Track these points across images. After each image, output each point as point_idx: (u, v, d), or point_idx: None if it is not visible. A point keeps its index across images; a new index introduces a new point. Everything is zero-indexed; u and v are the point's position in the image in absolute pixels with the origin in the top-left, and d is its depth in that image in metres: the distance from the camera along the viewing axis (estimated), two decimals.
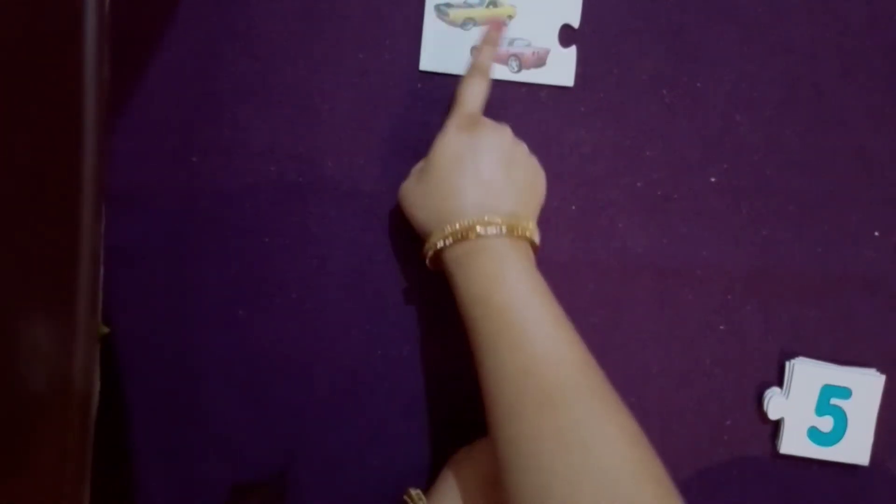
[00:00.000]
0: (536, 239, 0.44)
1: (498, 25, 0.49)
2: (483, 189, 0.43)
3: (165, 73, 0.51)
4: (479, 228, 0.42)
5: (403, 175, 0.52)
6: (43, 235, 0.33)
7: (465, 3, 0.51)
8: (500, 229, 0.42)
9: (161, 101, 0.51)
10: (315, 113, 0.51)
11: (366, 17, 0.51)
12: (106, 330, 0.51)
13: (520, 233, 0.42)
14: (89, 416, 0.34)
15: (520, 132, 0.52)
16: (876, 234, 0.52)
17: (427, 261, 0.45)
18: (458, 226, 0.42)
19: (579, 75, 0.52)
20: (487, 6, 0.51)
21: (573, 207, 0.52)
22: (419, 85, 0.51)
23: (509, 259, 0.42)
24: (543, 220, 0.51)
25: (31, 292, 0.33)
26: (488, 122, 0.46)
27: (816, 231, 0.52)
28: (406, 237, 0.52)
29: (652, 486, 0.36)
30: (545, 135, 0.52)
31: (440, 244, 0.43)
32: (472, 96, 0.46)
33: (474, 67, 0.47)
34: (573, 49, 0.51)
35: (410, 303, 0.52)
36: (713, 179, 0.52)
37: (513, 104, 0.52)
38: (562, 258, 0.52)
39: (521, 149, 0.46)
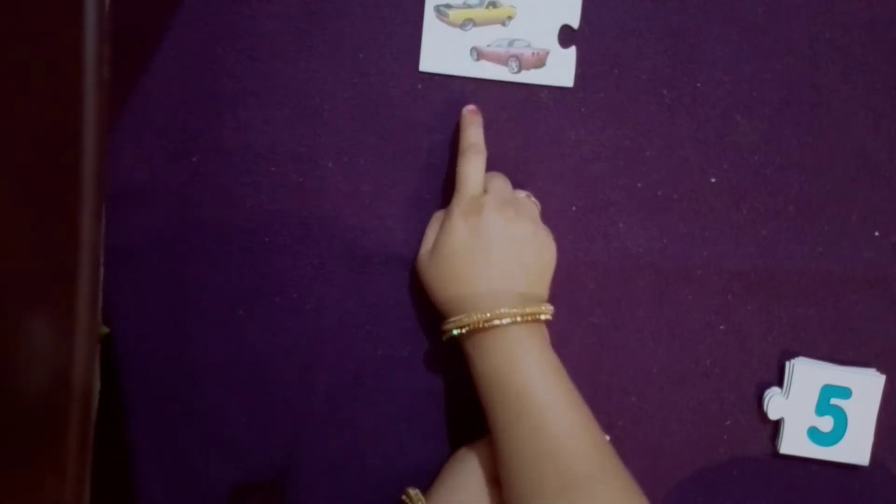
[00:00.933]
0: (550, 316, 0.45)
1: (473, 111, 0.50)
2: (495, 277, 0.44)
3: (166, 72, 0.51)
4: (495, 321, 0.43)
5: (403, 175, 0.52)
6: (43, 235, 0.33)
7: (464, 3, 0.51)
8: (516, 319, 0.43)
9: (161, 100, 0.51)
10: (315, 113, 0.51)
11: (366, 18, 0.51)
12: (106, 330, 0.51)
13: (534, 317, 0.44)
14: (89, 416, 0.34)
15: (519, 133, 0.52)
16: (876, 234, 0.52)
17: (445, 338, 0.46)
18: (473, 317, 0.44)
19: (579, 76, 0.52)
20: (487, 7, 0.51)
21: (573, 208, 0.52)
22: (419, 85, 0.51)
23: (526, 344, 0.43)
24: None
25: (30, 292, 0.33)
26: (492, 203, 0.46)
27: (816, 231, 0.52)
28: (406, 238, 0.52)
29: None
30: (545, 135, 0.52)
31: (456, 332, 0.45)
32: (472, 177, 0.47)
33: (467, 148, 0.48)
34: (573, 50, 0.51)
35: (411, 304, 0.52)
36: (713, 180, 0.52)
37: (512, 105, 0.52)
38: (562, 258, 0.52)
39: (527, 224, 0.46)
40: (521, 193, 0.49)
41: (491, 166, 0.51)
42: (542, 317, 0.44)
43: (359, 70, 0.51)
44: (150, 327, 0.52)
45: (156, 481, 0.53)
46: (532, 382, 0.42)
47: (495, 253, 0.45)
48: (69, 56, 0.33)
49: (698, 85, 0.52)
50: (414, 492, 0.48)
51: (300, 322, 0.52)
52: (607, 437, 0.44)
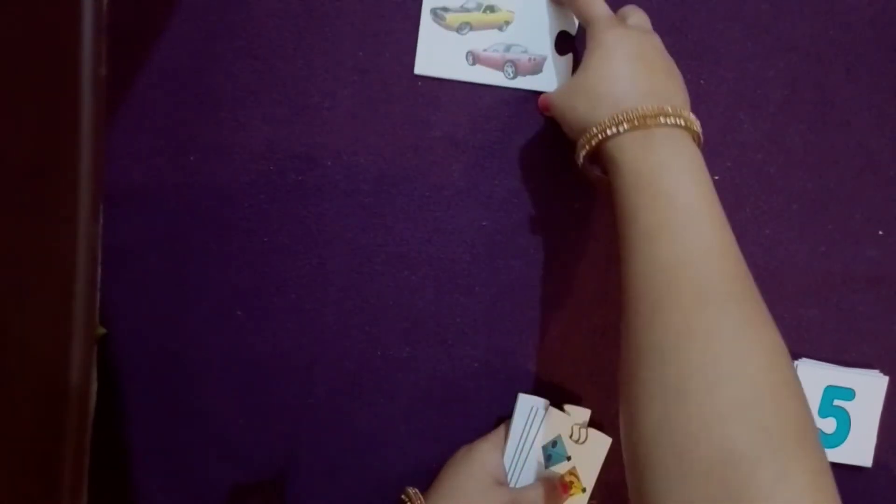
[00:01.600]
0: (699, 127, 0.43)
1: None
2: (656, 79, 0.43)
3: (163, 71, 0.51)
4: (661, 118, 0.41)
5: (403, 174, 0.51)
6: (40, 235, 0.33)
7: (461, 7, 0.50)
8: (679, 120, 0.41)
9: (159, 99, 0.51)
10: (314, 112, 0.51)
11: (365, 16, 0.51)
12: (103, 330, 0.51)
13: (692, 125, 0.42)
14: (87, 416, 0.34)
15: (519, 131, 0.52)
16: (880, 232, 0.52)
17: (584, 152, 0.43)
18: (638, 111, 0.41)
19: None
20: (484, 11, 0.50)
21: (576, 206, 0.52)
22: (419, 83, 0.51)
23: (685, 149, 0.41)
24: (545, 221, 0.50)
25: (27, 292, 0.33)
26: (633, 23, 0.45)
27: (819, 230, 0.52)
28: (406, 238, 0.52)
29: (793, 414, 0.34)
30: (546, 134, 0.52)
31: (612, 130, 0.41)
32: (601, 6, 0.46)
33: None
34: (569, 57, 0.51)
35: (410, 304, 0.52)
36: (716, 178, 0.52)
37: (510, 104, 0.51)
38: (563, 258, 0.52)
39: (661, 45, 0.45)
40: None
41: (491, 166, 0.51)
42: (697, 127, 0.42)
43: (358, 68, 0.51)
44: (148, 328, 0.52)
45: (154, 482, 0.53)
46: (684, 187, 0.39)
47: (654, 61, 0.43)
48: (66, 54, 0.32)
49: (701, 82, 0.52)
50: (413, 491, 0.48)
51: (299, 322, 0.52)
52: None
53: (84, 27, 0.32)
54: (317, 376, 0.52)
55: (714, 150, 0.52)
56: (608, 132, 0.41)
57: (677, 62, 0.51)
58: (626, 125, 0.41)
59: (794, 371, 0.36)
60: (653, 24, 0.51)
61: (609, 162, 0.42)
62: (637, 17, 0.47)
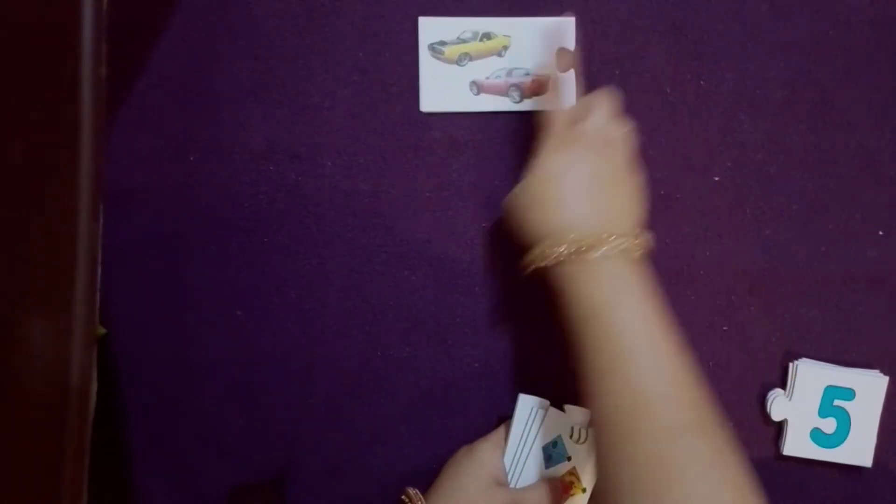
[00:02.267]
0: (645, 245, 0.43)
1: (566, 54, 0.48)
2: (599, 205, 0.42)
3: (163, 71, 0.51)
4: (603, 247, 0.40)
5: (403, 175, 0.51)
6: (40, 235, 0.33)
7: (458, 39, 0.50)
8: (624, 247, 0.40)
9: (159, 99, 0.51)
10: (314, 112, 0.51)
11: (365, 16, 0.51)
12: (103, 330, 0.51)
13: (641, 249, 0.41)
14: (87, 416, 0.34)
15: (518, 133, 0.51)
16: (880, 233, 0.52)
17: (529, 271, 0.43)
18: (580, 238, 0.40)
19: (580, 74, 0.51)
20: (481, 39, 0.50)
21: None
22: (420, 83, 0.51)
23: (627, 278, 0.40)
24: None
25: (28, 292, 0.33)
26: (591, 134, 0.43)
27: (820, 230, 0.52)
28: (405, 238, 0.51)
29: None
30: None
31: (553, 261, 0.41)
32: (562, 114, 0.45)
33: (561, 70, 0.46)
34: (572, 73, 0.51)
35: (410, 304, 0.52)
36: (716, 178, 0.52)
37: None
38: None
39: (628, 162, 0.44)
40: (618, 126, 0.46)
41: (490, 165, 0.51)
42: (647, 248, 0.42)
43: (358, 68, 0.51)
44: (148, 328, 0.51)
45: (154, 482, 0.52)
46: (631, 326, 0.39)
47: (598, 182, 0.42)
48: (67, 54, 0.32)
49: (701, 83, 0.51)
50: (413, 492, 0.47)
51: (299, 322, 0.52)
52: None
53: (84, 27, 0.32)
54: (317, 376, 0.52)
55: (714, 150, 0.52)
56: (548, 262, 0.41)
57: (677, 63, 0.51)
58: (563, 257, 0.40)
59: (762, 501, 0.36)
60: (652, 25, 0.51)
61: (555, 287, 0.42)
62: (598, 114, 0.44)
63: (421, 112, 0.51)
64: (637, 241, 0.41)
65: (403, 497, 0.48)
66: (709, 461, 0.36)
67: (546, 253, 0.41)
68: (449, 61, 0.50)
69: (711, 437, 0.37)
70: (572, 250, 0.40)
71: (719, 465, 0.36)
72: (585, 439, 0.50)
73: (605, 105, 0.45)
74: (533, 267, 0.42)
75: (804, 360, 0.52)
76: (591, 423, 0.40)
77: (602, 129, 0.44)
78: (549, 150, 0.43)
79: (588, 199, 0.42)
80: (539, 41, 0.51)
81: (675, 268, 0.52)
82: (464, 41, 0.50)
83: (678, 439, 0.37)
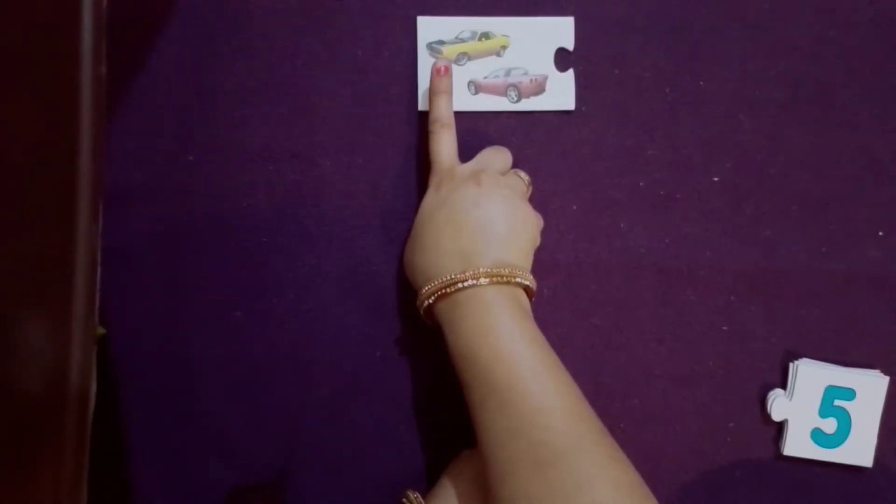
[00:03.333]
0: (529, 283, 0.43)
1: (443, 70, 0.48)
2: (462, 242, 0.43)
3: (163, 71, 0.51)
4: (458, 284, 0.42)
5: (402, 175, 0.51)
6: (39, 235, 0.33)
7: (457, 38, 0.50)
8: (481, 280, 0.41)
9: (158, 99, 0.51)
10: (313, 112, 0.51)
11: (364, 15, 0.51)
12: (103, 331, 0.51)
13: (506, 280, 0.42)
14: (86, 417, 0.34)
15: (517, 133, 0.51)
16: (880, 233, 0.52)
17: (423, 318, 0.45)
18: (440, 281, 0.42)
19: (580, 73, 0.51)
20: (480, 39, 0.50)
21: (574, 207, 0.52)
22: (418, 82, 0.51)
23: (497, 309, 0.41)
24: (545, 221, 0.50)
25: (27, 293, 0.32)
26: (463, 173, 0.45)
27: (820, 231, 0.52)
28: (404, 238, 0.51)
29: None
30: (546, 134, 0.51)
31: (426, 303, 0.43)
32: (443, 152, 0.47)
33: (434, 123, 0.47)
34: (570, 73, 0.51)
35: (409, 304, 0.52)
36: (716, 179, 0.52)
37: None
38: (563, 258, 0.52)
39: (500, 192, 0.44)
40: (511, 171, 0.48)
41: None
42: (516, 280, 0.42)
43: (357, 68, 0.51)
44: (148, 328, 0.51)
45: (154, 483, 0.52)
46: (501, 353, 0.40)
47: (463, 220, 0.43)
48: (66, 53, 0.32)
49: (701, 83, 0.51)
50: (414, 495, 0.47)
51: (298, 323, 0.52)
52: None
53: (84, 27, 0.32)
54: (316, 376, 0.52)
55: (714, 151, 0.52)
56: (425, 303, 0.44)
57: (677, 63, 0.51)
58: (433, 297, 0.43)
59: (648, 500, 0.37)
60: (653, 25, 0.51)
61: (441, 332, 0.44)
62: (482, 156, 0.47)
63: (420, 112, 0.51)
64: (503, 271, 0.42)
65: (403, 500, 0.48)
66: (592, 475, 0.36)
67: (422, 296, 0.44)
68: (447, 61, 0.50)
69: (591, 455, 0.37)
70: (439, 290, 0.42)
71: (606, 475, 0.36)
72: None
73: (494, 150, 0.48)
74: (420, 309, 0.44)
75: (804, 360, 0.52)
76: (482, 459, 0.41)
77: (483, 164, 0.46)
78: (430, 190, 0.46)
79: (458, 237, 0.43)
80: (538, 40, 0.51)
81: (674, 268, 0.52)
82: (462, 41, 0.50)
83: (555, 463, 0.37)
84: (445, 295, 0.42)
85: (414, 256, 0.46)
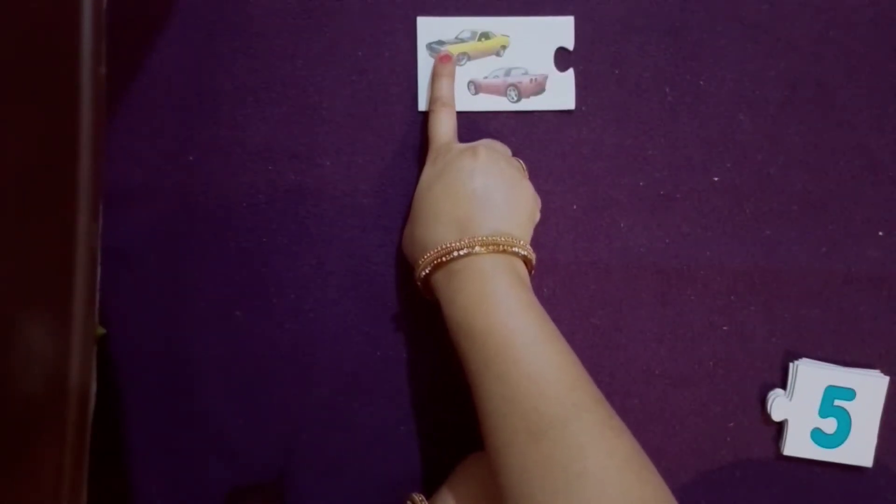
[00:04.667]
0: (527, 253, 0.43)
1: (442, 58, 0.49)
2: (460, 212, 0.43)
3: (163, 71, 0.51)
4: (454, 252, 0.41)
5: (402, 175, 0.51)
6: (39, 235, 0.33)
7: (457, 38, 0.50)
8: (478, 248, 0.41)
9: (158, 99, 0.51)
10: (313, 112, 0.51)
11: (363, 15, 0.51)
12: (103, 331, 0.51)
13: (503, 248, 0.42)
14: (86, 417, 0.34)
15: (518, 133, 0.51)
16: (880, 233, 0.52)
17: (417, 281, 0.45)
18: (436, 250, 0.42)
19: (580, 73, 0.51)
20: (479, 39, 0.51)
21: (574, 207, 0.52)
22: (418, 82, 0.51)
23: (493, 279, 0.41)
24: (544, 220, 0.50)
25: (27, 293, 0.32)
26: (460, 147, 0.45)
27: (820, 231, 0.52)
28: None
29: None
30: (546, 134, 0.51)
31: (422, 273, 0.43)
32: (441, 129, 0.47)
33: (435, 101, 0.48)
34: (570, 72, 0.51)
35: (409, 304, 0.52)
36: (716, 179, 0.52)
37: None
38: (563, 258, 0.52)
39: (498, 165, 0.44)
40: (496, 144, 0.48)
41: None
42: (514, 249, 0.42)
43: (357, 68, 0.51)
44: (147, 328, 0.51)
45: (154, 482, 0.52)
46: (499, 322, 0.39)
47: (461, 190, 0.43)
48: (66, 53, 0.32)
49: (701, 83, 0.51)
50: (419, 498, 0.47)
51: (298, 323, 0.52)
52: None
53: (84, 27, 0.32)
54: (317, 376, 0.52)
55: (713, 151, 0.52)
56: (421, 274, 0.43)
57: (677, 63, 0.51)
58: (429, 267, 0.43)
59: (645, 469, 0.36)
60: (651, 25, 0.51)
61: (435, 297, 0.44)
62: (482, 140, 0.47)
63: (419, 112, 0.51)
64: (500, 241, 0.42)
65: (408, 502, 0.47)
66: (589, 443, 0.36)
67: (419, 267, 0.44)
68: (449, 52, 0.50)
69: (587, 422, 0.37)
70: (435, 260, 0.42)
71: (602, 444, 0.36)
72: None
73: (491, 140, 0.48)
74: (418, 281, 0.44)
75: (804, 360, 0.52)
76: (480, 430, 0.41)
77: (481, 142, 0.46)
78: (427, 165, 0.46)
79: (454, 207, 0.43)
80: (538, 40, 0.51)
81: (674, 268, 0.52)
82: (462, 41, 0.50)
83: (549, 432, 0.36)
84: (441, 264, 0.42)
85: (413, 230, 0.45)
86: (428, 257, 0.43)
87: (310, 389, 0.52)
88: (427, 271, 0.43)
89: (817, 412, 0.51)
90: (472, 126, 0.51)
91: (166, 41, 0.50)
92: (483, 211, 0.43)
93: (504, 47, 0.51)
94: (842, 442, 0.51)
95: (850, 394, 0.51)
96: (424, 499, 0.47)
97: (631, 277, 0.52)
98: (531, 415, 0.37)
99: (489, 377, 0.39)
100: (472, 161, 0.44)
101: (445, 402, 0.52)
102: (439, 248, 0.42)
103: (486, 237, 0.42)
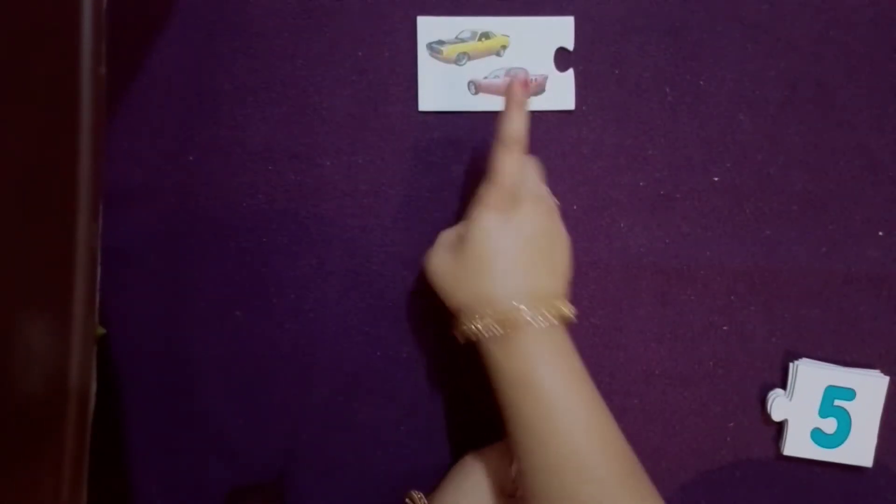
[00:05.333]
0: (574, 318, 0.43)
1: (523, 83, 0.44)
2: (525, 273, 0.42)
3: (163, 71, 0.51)
4: (525, 316, 0.40)
5: (402, 175, 0.51)
6: (39, 235, 0.33)
7: (457, 38, 0.50)
8: (545, 317, 0.41)
9: (158, 99, 0.51)
10: (313, 112, 0.51)
11: (363, 15, 0.51)
12: (103, 331, 0.51)
13: (564, 317, 0.42)
14: (86, 416, 0.34)
15: None
16: (880, 233, 0.52)
17: (459, 336, 0.43)
18: (500, 310, 0.41)
19: (580, 73, 0.51)
20: (480, 39, 0.50)
21: (574, 207, 0.52)
22: (418, 83, 0.51)
23: (551, 344, 0.41)
24: None
25: (27, 292, 0.32)
26: (529, 197, 0.43)
27: (820, 231, 0.52)
28: (405, 238, 0.51)
29: None
30: (546, 133, 0.51)
31: (480, 328, 0.41)
32: (510, 171, 0.43)
33: (508, 139, 0.43)
34: (570, 72, 0.51)
35: (409, 304, 0.52)
36: (716, 179, 0.52)
37: None
38: None
39: (557, 220, 0.44)
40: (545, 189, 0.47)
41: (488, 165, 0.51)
42: (569, 316, 0.42)
43: (357, 68, 0.51)
44: (148, 328, 0.51)
45: (154, 482, 0.52)
46: (555, 384, 0.40)
47: (527, 249, 0.42)
48: (66, 53, 0.32)
49: (701, 83, 0.51)
50: (418, 495, 0.47)
51: (299, 323, 0.52)
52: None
53: (84, 27, 0.32)
54: (317, 376, 0.52)
55: (713, 151, 0.52)
56: (477, 327, 0.42)
57: (676, 63, 0.51)
58: (494, 326, 0.41)
59: None
60: (651, 25, 0.51)
61: (480, 348, 0.43)
62: (530, 181, 0.45)
63: (419, 112, 0.51)
64: (560, 307, 0.42)
65: (407, 500, 0.48)
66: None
67: (466, 326, 0.42)
68: (447, 61, 0.50)
69: (635, 491, 0.39)
70: (499, 319, 0.41)
71: None
72: None
73: (536, 165, 0.46)
74: (463, 335, 0.43)
75: (804, 360, 0.52)
76: (522, 473, 0.42)
77: (539, 189, 0.45)
78: (490, 209, 0.42)
79: (520, 267, 0.42)
80: (538, 40, 0.51)
81: (674, 268, 0.52)
82: (462, 41, 0.50)
83: (598, 497, 0.38)
84: (495, 331, 0.41)
85: (465, 279, 0.43)
86: (491, 314, 0.41)
87: (310, 389, 0.52)
88: (493, 329, 0.41)
89: (817, 412, 0.51)
90: (472, 126, 0.51)
91: (166, 41, 0.50)
92: (548, 274, 0.43)
93: (504, 47, 0.51)
94: (842, 442, 0.51)
95: (850, 394, 0.51)
96: (423, 496, 0.47)
97: (631, 277, 0.52)
98: (584, 475, 0.39)
99: (545, 431, 0.40)
100: (543, 219, 0.43)
101: (445, 403, 0.52)
102: (506, 309, 0.41)
103: (551, 306, 0.41)
